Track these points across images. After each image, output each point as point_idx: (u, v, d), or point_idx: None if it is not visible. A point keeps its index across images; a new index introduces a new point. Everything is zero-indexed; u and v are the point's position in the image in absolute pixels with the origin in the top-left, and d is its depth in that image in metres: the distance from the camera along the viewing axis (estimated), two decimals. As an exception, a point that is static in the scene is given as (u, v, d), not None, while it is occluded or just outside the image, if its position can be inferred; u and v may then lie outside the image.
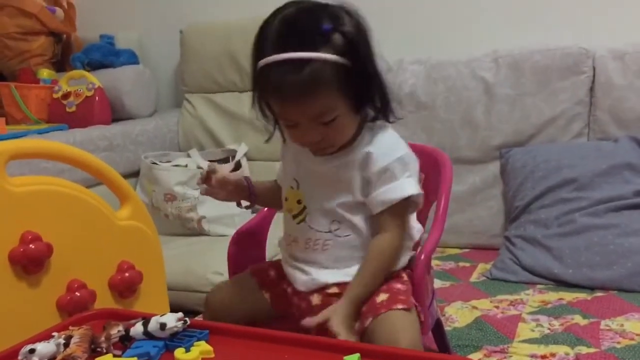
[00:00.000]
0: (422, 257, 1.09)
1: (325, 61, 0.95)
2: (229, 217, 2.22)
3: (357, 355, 0.80)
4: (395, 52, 2.43)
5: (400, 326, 0.98)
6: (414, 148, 1.43)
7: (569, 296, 1.69)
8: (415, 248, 1.16)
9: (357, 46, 0.98)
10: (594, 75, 2.09)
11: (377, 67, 1.02)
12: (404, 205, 1.06)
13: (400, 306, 1.01)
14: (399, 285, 1.07)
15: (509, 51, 2.21)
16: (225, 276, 1.48)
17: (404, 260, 1.11)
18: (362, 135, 1.08)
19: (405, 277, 1.10)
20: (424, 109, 2.29)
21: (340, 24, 0.97)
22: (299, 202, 1.12)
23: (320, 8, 0.99)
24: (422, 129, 2.28)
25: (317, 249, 1.09)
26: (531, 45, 2.19)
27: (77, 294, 1.24)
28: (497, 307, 1.65)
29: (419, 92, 2.29)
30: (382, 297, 1.03)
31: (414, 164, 1.08)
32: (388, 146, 1.06)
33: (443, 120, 2.26)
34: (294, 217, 1.13)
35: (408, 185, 1.05)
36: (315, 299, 1.09)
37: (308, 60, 0.94)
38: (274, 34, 0.97)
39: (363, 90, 1.01)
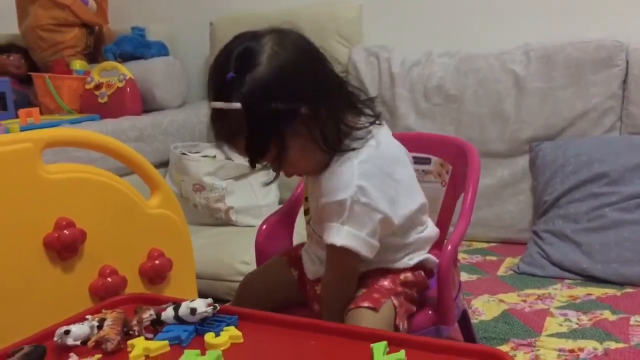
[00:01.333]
0: (449, 248, 1.09)
1: (238, 109, 0.92)
2: (256, 207, 2.24)
3: (384, 343, 0.80)
4: (424, 45, 2.43)
5: (362, 324, 0.97)
6: (442, 139, 1.44)
7: (598, 291, 1.67)
8: (438, 247, 1.15)
9: (270, 89, 0.92)
10: (627, 69, 2.06)
11: (310, 101, 0.94)
12: (336, 251, 0.99)
13: (365, 304, 1.00)
14: (385, 283, 1.05)
15: (541, 44, 2.19)
16: (252, 266, 1.50)
17: (407, 261, 1.08)
18: (332, 162, 1.01)
19: (404, 277, 1.07)
20: (452, 102, 2.28)
21: (249, 67, 0.92)
22: (306, 199, 1.14)
23: (239, 50, 0.94)
24: (450, 122, 2.27)
25: (320, 247, 1.10)
26: (563, 37, 2.16)
27: (109, 279, 1.26)
28: (524, 301, 1.64)
29: (448, 85, 2.28)
30: (360, 291, 1.04)
31: (362, 209, 0.97)
32: (335, 185, 0.98)
33: (472, 113, 2.24)
34: (305, 213, 1.16)
35: (336, 233, 0.97)
36: (319, 289, 1.11)
37: (224, 109, 0.94)
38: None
39: (295, 128, 0.95)
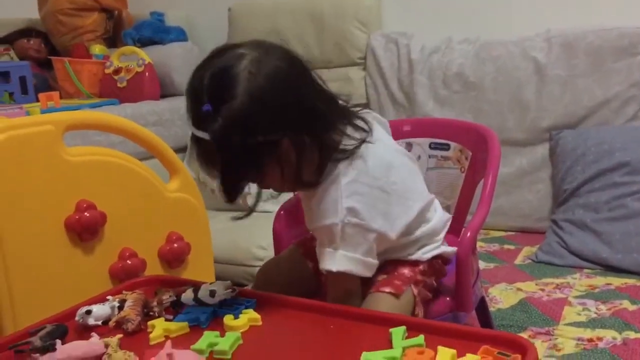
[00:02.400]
0: (468, 234, 1.08)
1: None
2: (273, 192, 2.24)
3: (403, 327, 0.81)
4: (443, 31, 2.41)
5: (382, 309, 0.96)
6: (462, 125, 1.43)
7: (617, 281, 1.66)
8: (454, 233, 1.13)
9: (247, 123, 0.87)
10: (650, 56, 2.03)
11: (291, 129, 0.89)
12: (334, 275, 0.96)
13: (387, 289, 0.99)
14: (405, 271, 1.03)
15: (562, 31, 2.16)
16: (269, 251, 1.50)
17: (422, 255, 1.05)
18: (321, 183, 0.97)
19: (422, 267, 1.05)
20: (472, 90, 2.26)
21: (225, 100, 0.86)
22: None
23: (216, 76, 0.87)
24: (468, 110, 2.25)
25: None
26: (585, 25, 2.13)
27: (129, 262, 1.28)
28: (542, 289, 1.63)
29: (467, 72, 2.26)
30: (381, 277, 1.02)
31: (355, 230, 0.94)
32: (323, 209, 0.95)
33: (491, 100, 2.22)
34: None
35: (330, 258, 0.94)
36: None
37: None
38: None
39: (276, 157, 0.91)
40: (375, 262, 0.98)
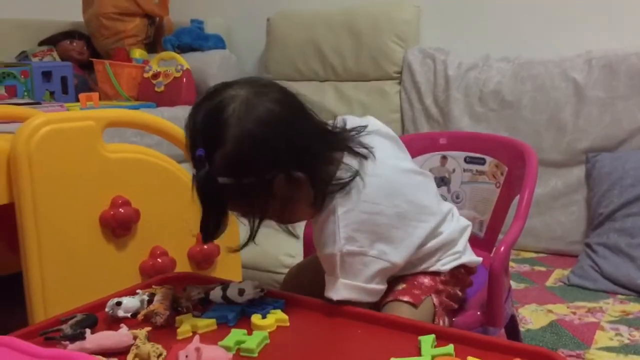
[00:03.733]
0: (502, 249, 1.06)
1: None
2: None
3: (432, 336, 0.79)
4: (481, 48, 2.40)
5: None
6: (498, 140, 1.41)
7: (652, 308, 1.61)
8: (484, 247, 1.10)
9: (237, 164, 0.87)
10: (693, 81, 1.99)
11: (284, 168, 0.89)
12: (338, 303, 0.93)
13: (405, 298, 0.97)
14: (425, 280, 1.01)
15: (604, 52, 2.13)
16: (297, 259, 1.50)
17: (440, 267, 1.02)
18: (320, 213, 0.96)
19: (443, 277, 1.02)
20: (508, 108, 2.24)
21: (216, 145, 0.87)
22: None
23: (207, 119, 0.89)
24: (505, 128, 2.23)
25: None
26: (627, 47, 2.10)
27: (159, 260, 1.29)
28: (574, 313, 1.60)
29: (505, 90, 2.24)
30: (400, 285, 1.00)
31: (355, 259, 0.93)
32: (323, 240, 0.94)
33: (528, 120, 2.20)
34: None
35: (332, 287, 0.93)
36: None
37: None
38: None
39: (269, 195, 0.91)
40: (380, 287, 0.96)
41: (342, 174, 0.94)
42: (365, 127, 1.01)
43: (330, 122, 0.99)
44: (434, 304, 1.00)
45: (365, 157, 0.96)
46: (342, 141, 0.97)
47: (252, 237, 0.96)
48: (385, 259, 0.95)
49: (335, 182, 0.93)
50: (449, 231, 1.04)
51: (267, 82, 0.95)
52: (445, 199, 1.38)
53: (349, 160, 0.96)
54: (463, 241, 1.06)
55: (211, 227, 0.93)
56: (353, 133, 0.99)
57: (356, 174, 0.94)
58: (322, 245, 0.95)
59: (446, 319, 1.02)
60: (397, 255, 0.96)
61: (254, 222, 0.95)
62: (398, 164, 1.02)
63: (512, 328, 1.27)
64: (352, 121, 1.02)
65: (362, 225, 0.93)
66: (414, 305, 0.97)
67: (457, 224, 1.07)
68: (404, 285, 1.00)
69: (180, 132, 1.37)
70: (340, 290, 0.93)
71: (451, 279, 1.04)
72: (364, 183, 0.94)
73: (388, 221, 0.95)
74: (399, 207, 0.96)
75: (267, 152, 0.88)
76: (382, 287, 0.97)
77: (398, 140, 1.08)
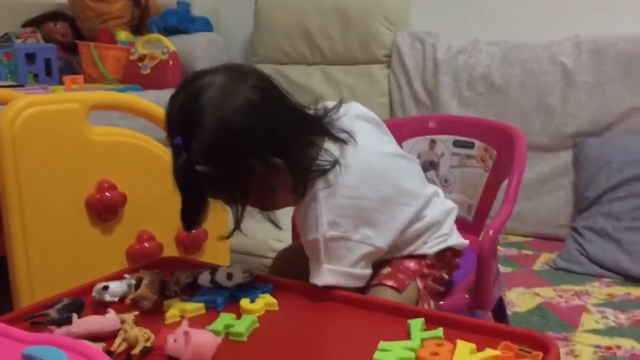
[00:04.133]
0: (491, 232, 1.06)
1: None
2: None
3: (422, 319, 0.79)
4: (470, 32, 2.39)
5: None
6: (488, 124, 1.41)
7: (637, 291, 1.63)
8: (472, 232, 1.10)
9: (214, 152, 0.87)
10: (681, 65, 1.99)
11: (263, 155, 0.89)
12: (321, 288, 0.93)
13: (390, 283, 0.97)
14: (411, 264, 1.01)
15: (592, 37, 2.12)
16: (286, 243, 1.49)
17: (427, 249, 1.02)
18: (303, 199, 0.95)
19: (429, 260, 1.02)
20: (497, 92, 2.23)
21: (195, 132, 0.86)
22: None
23: (185, 106, 0.88)
24: (492, 112, 2.22)
25: None
26: (616, 31, 2.10)
27: (146, 244, 1.28)
28: (560, 296, 1.61)
29: (493, 74, 2.24)
30: (386, 269, 1.00)
31: (338, 244, 0.92)
32: (305, 225, 0.95)
33: (516, 104, 2.20)
34: None
35: (316, 273, 0.93)
36: None
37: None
38: None
39: (250, 183, 0.91)
40: (365, 272, 0.96)
41: (323, 159, 0.94)
42: (345, 113, 0.99)
43: (311, 108, 0.99)
44: (418, 288, 1.00)
45: (345, 142, 0.95)
46: (321, 126, 0.96)
47: (237, 224, 0.96)
48: (369, 243, 0.95)
49: (316, 168, 0.93)
50: (433, 214, 1.03)
51: (246, 68, 0.94)
52: (434, 183, 1.38)
53: (330, 145, 0.95)
54: (449, 223, 1.06)
55: (191, 215, 0.92)
56: (333, 118, 0.98)
57: (337, 160, 0.93)
58: (305, 232, 0.95)
59: (432, 302, 1.02)
60: (381, 239, 0.96)
61: (237, 210, 0.94)
62: (381, 147, 1.01)
63: (500, 311, 1.28)
64: (329, 104, 1.02)
65: (344, 210, 0.93)
66: (398, 290, 0.97)
67: (442, 206, 1.06)
68: (389, 269, 1.00)
69: (166, 114, 1.36)
70: (325, 276, 0.93)
71: (437, 262, 1.04)
72: (346, 168, 0.93)
73: (371, 205, 0.95)
74: (382, 191, 0.96)
75: (244, 140, 0.88)
76: (368, 271, 0.96)
77: (382, 124, 1.08)
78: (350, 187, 0.93)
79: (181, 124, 0.88)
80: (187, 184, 0.88)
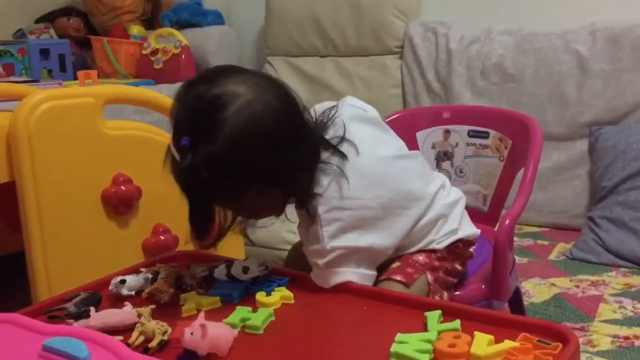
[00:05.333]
0: (507, 222, 1.05)
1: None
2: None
3: (439, 312, 0.79)
4: (483, 21, 2.37)
5: None
6: (502, 113, 1.40)
7: (655, 281, 1.62)
8: (488, 222, 1.09)
9: (218, 166, 0.85)
10: (698, 52, 1.96)
11: (260, 183, 0.88)
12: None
13: (398, 277, 0.96)
14: (420, 257, 1.00)
15: (608, 24, 2.10)
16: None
17: (435, 245, 1.01)
18: (302, 209, 0.96)
19: (439, 253, 1.01)
20: (510, 81, 2.21)
21: (205, 140, 0.83)
22: None
23: (201, 109, 0.85)
24: (506, 102, 2.21)
25: None
26: (631, 19, 2.07)
27: (162, 237, 1.28)
28: (577, 286, 1.60)
29: (507, 63, 2.22)
30: (395, 264, 0.99)
31: (340, 253, 0.92)
32: (306, 237, 0.95)
33: (530, 93, 2.18)
34: None
35: (320, 274, 0.93)
36: None
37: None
38: None
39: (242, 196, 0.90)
40: (369, 271, 0.95)
41: (322, 174, 0.92)
42: (340, 114, 0.96)
43: (311, 117, 0.95)
44: (428, 282, 0.98)
45: (342, 153, 0.93)
46: (321, 141, 0.93)
47: (222, 234, 0.97)
48: (372, 248, 0.94)
49: (315, 184, 0.91)
50: (437, 209, 1.01)
51: (272, 83, 0.91)
52: (448, 174, 1.38)
53: (327, 155, 0.93)
54: (456, 215, 1.04)
55: (199, 219, 0.91)
56: (328, 125, 0.95)
57: (335, 171, 0.92)
58: (306, 241, 0.95)
59: (445, 294, 1.01)
60: (384, 244, 0.96)
61: (224, 215, 0.95)
62: (376, 152, 0.98)
63: (516, 302, 1.27)
64: (321, 107, 0.98)
65: (344, 222, 0.92)
66: (406, 284, 0.95)
67: (446, 200, 1.03)
68: (398, 264, 0.99)
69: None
70: (328, 278, 0.92)
71: (448, 254, 1.02)
72: (344, 179, 0.92)
73: (372, 213, 0.94)
74: (382, 197, 0.94)
75: (250, 168, 0.87)
76: (372, 272, 0.95)
77: (378, 120, 1.06)
78: (350, 198, 0.92)
79: (193, 127, 0.85)
80: (191, 186, 0.87)
